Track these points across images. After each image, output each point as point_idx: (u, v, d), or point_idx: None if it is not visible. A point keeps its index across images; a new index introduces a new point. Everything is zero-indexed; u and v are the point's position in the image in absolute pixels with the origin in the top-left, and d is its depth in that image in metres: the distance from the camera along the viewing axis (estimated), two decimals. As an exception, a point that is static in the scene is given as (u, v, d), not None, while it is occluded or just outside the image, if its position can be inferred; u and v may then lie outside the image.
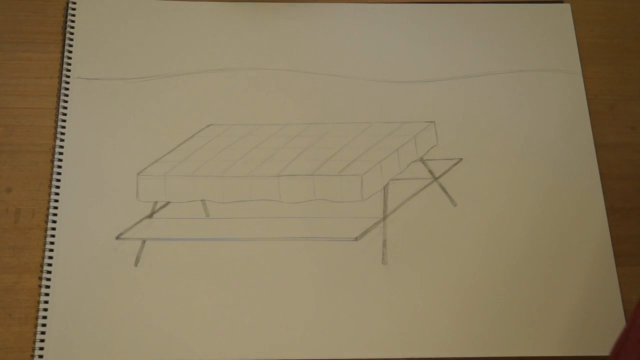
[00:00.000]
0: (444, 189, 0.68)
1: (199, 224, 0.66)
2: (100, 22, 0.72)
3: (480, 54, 0.74)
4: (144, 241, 0.65)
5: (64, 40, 0.71)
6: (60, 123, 0.68)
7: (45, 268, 0.63)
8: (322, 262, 0.65)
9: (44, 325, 0.61)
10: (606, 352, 0.63)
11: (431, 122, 0.71)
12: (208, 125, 0.69)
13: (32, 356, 0.61)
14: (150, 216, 0.66)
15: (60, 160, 0.67)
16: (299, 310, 0.63)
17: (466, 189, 0.68)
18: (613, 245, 0.67)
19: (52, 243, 0.64)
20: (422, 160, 0.69)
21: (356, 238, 0.66)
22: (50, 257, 0.64)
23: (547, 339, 0.63)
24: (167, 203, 0.67)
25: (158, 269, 0.64)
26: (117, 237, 0.65)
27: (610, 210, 0.68)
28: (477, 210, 0.68)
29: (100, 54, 0.71)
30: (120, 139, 0.68)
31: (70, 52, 0.71)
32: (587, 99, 0.73)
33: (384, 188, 0.68)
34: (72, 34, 0.72)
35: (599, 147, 0.71)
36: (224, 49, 0.72)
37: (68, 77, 0.70)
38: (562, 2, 0.77)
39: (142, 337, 0.62)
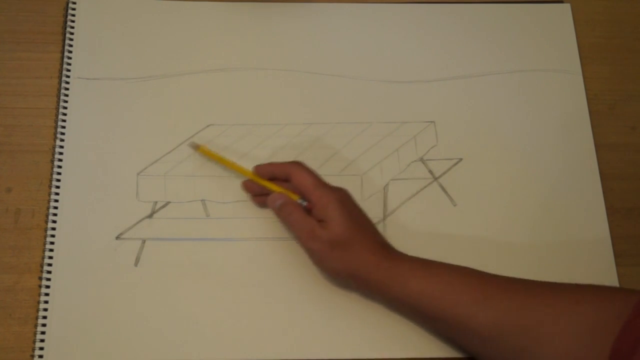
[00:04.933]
0: (444, 189, 0.68)
1: (199, 224, 0.66)
2: (100, 22, 0.72)
3: (480, 54, 0.74)
4: (144, 241, 0.65)
5: (64, 40, 0.71)
6: (60, 123, 0.68)
7: (45, 268, 0.63)
8: (322, 262, 0.65)
9: (44, 325, 0.61)
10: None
11: (431, 122, 0.71)
12: (208, 125, 0.69)
13: (32, 356, 0.61)
14: (150, 216, 0.66)
15: (60, 160, 0.67)
16: (299, 310, 0.63)
17: (466, 189, 0.68)
18: (613, 245, 0.67)
19: (52, 243, 0.64)
20: (422, 160, 0.69)
21: (356, 238, 0.66)
22: (50, 257, 0.64)
23: (547, 339, 0.63)
24: (167, 203, 0.67)
25: (158, 269, 0.64)
26: (117, 237, 0.65)
27: (610, 210, 0.68)
28: (477, 210, 0.68)
29: (100, 54, 0.71)
30: (120, 139, 0.68)
31: (70, 52, 0.71)
32: (587, 99, 0.73)
33: (384, 188, 0.68)
34: (72, 34, 0.72)
35: (599, 147, 0.71)
36: (224, 49, 0.72)
37: (68, 77, 0.70)
38: (562, 2, 0.77)
39: (142, 337, 0.62)
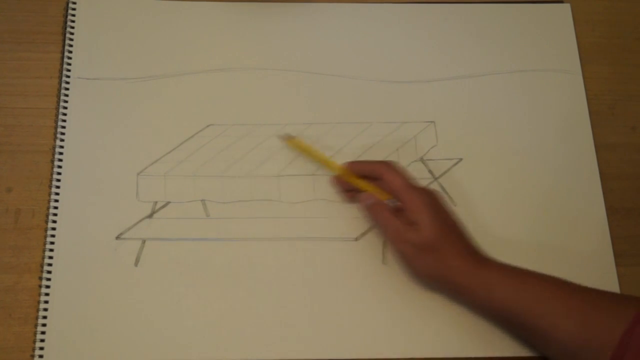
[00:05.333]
0: (444, 189, 0.68)
1: (199, 224, 0.66)
2: (100, 22, 0.72)
3: (480, 54, 0.74)
4: (144, 241, 0.65)
5: (64, 40, 0.71)
6: (60, 123, 0.68)
7: (45, 268, 0.63)
8: (322, 262, 0.65)
9: (44, 325, 0.61)
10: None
11: (431, 122, 0.71)
12: (208, 125, 0.70)
13: (32, 356, 0.61)
14: (150, 216, 0.66)
15: (60, 160, 0.67)
16: (299, 310, 0.63)
17: (466, 189, 0.68)
18: (613, 245, 0.67)
19: (52, 243, 0.64)
20: (422, 160, 0.69)
21: (356, 238, 0.66)
22: (50, 257, 0.64)
23: (547, 339, 0.63)
24: (167, 203, 0.67)
25: (158, 269, 0.64)
26: (117, 237, 0.65)
27: (610, 210, 0.68)
28: (477, 210, 0.68)
29: (100, 54, 0.71)
30: (120, 139, 0.68)
31: (70, 52, 0.71)
32: (587, 99, 0.73)
33: (384, 188, 0.68)
34: (72, 34, 0.72)
35: (599, 147, 0.71)
36: (224, 49, 0.72)
37: (68, 77, 0.70)
38: (562, 2, 0.77)
39: (141, 337, 0.62)
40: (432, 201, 0.61)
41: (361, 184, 0.64)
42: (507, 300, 0.57)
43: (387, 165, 0.63)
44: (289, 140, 0.67)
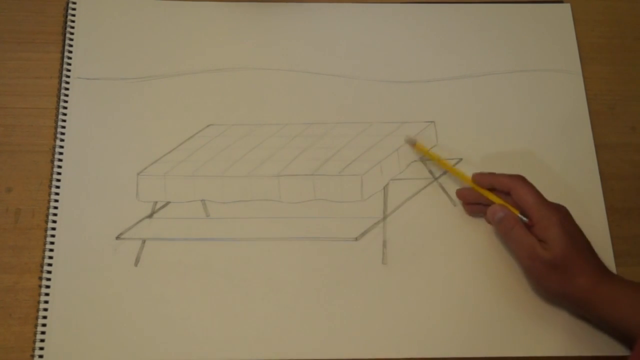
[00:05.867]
0: (444, 189, 0.68)
1: (199, 224, 0.66)
2: (100, 22, 0.72)
3: (480, 54, 0.74)
4: (144, 241, 0.65)
5: (64, 40, 0.71)
6: (60, 123, 0.68)
7: (45, 268, 0.63)
8: (322, 262, 0.65)
9: (44, 325, 0.61)
10: (606, 352, 0.62)
11: (431, 122, 0.71)
12: (208, 125, 0.70)
13: (32, 356, 0.61)
14: (150, 216, 0.66)
15: (60, 160, 0.67)
16: (299, 310, 0.63)
17: (466, 189, 0.68)
18: (613, 245, 0.67)
19: (52, 243, 0.64)
20: (422, 160, 0.69)
21: (356, 238, 0.66)
22: (50, 257, 0.64)
23: (547, 339, 0.63)
24: (167, 203, 0.67)
25: (158, 269, 0.64)
26: (117, 237, 0.65)
27: (610, 210, 0.68)
28: (477, 210, 0.68)
29: (100, 54, 0.71)
30: (120, 139, 0.68)
31: (70, 52, 0.71)
32: (587, 99, 0.73)
33: (384, 188, 0.68)
34: (72, 34, 0.72)
35: (599, 147, 0.71)
36: (224, 49, 0.72)
37: (68, 77, 0.70)
38: (562, 2, 0.77)
39: (142, 337, 0.62)
40: (563, 219, 0.61)
41: (491, 196, 0.64)
42: (631, 316, 0.57)
43: (519, 179, 0.63)
44: (415, 145, 0.67)
